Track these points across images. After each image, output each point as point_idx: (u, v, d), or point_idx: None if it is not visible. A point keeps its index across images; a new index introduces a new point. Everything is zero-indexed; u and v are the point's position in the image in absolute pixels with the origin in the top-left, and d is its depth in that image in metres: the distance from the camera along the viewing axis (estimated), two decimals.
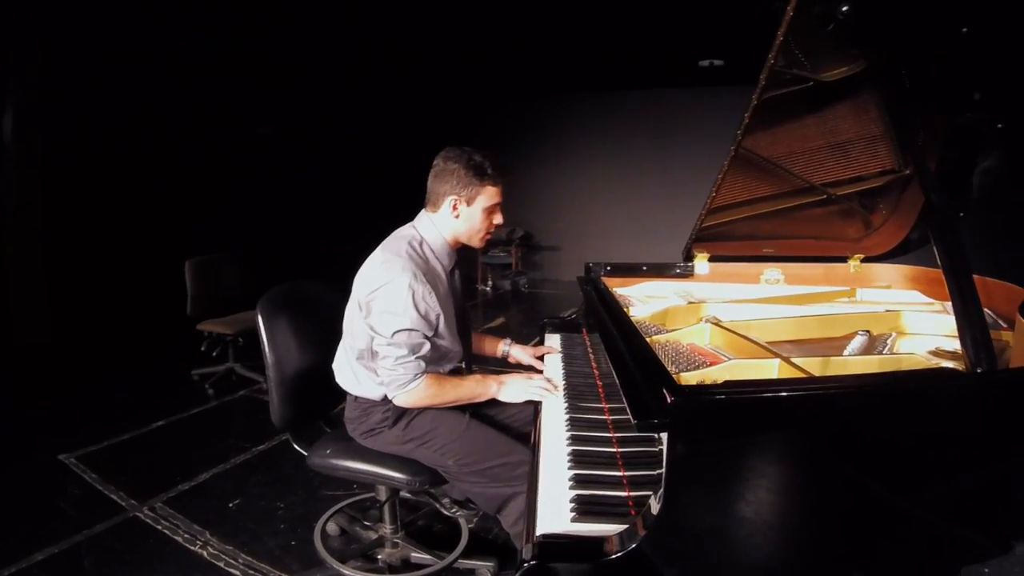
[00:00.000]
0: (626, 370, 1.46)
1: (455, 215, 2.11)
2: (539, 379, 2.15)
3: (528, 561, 1.14)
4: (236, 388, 4.87)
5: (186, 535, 2.81)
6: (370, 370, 2.09)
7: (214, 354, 4.88)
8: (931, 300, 2.46)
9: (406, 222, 2.20)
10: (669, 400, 1.10)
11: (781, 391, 1.17)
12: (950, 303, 2.25)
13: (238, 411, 4.49)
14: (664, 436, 1.13)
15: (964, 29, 1.84)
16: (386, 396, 2.07)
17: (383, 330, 1.96)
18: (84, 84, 5.88)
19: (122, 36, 5.49)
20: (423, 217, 2.18)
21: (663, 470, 1.12)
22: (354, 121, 9.28)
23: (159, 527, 2.88)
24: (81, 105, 5.96)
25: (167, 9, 5.09)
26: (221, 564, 2.60)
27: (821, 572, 1.22)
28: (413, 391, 1.99)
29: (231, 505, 3.10)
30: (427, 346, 2.00)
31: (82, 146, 6.03)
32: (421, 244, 2.12)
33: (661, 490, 1.12)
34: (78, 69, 5.76)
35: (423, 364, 2.00)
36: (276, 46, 6.35)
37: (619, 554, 1.12)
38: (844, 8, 1.79)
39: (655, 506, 1.14)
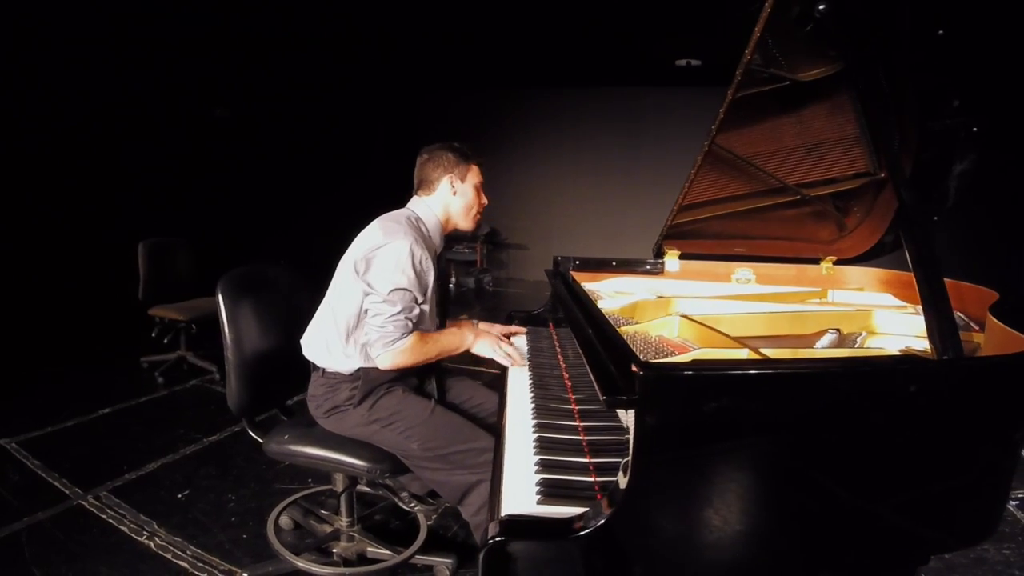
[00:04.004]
0: (594, 352, 1.45)
1: (453, 192, 2.26)
2: (508, 345, 2.31)
3: (493, 538, 1.10)
4: (187, 377, 4.74)
5: (132, 525, 2.70)
6: (350, 341, 2.11)
7: (165, 341, 4.74)
8: (903, 303, 2.47)
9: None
10: (638, 374, 1.08)
11: (748, 369, 1.16)
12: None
13: (189, 401, 4.36)
14: (631, 413, 1.11)
15: (940, 31, 1.84)
16: (357, 372, 2.10)
17: (380, 286, 2.02)
18: (34, 64, 5.69)
19: (74, 14, 5.31)
20: (416, 201, 2.30)
21: (630, 447, 1.11)
22: (314, 108, 9.13)
23: (104, 516, 2.77)
24: (33, 85, 5.75)
25: None
26: (168, 556, 2.51)
27: (788, 554, 1.22)
28: (400, 350, 2.04)
29: (180, 496, 3.00)
30: (417, 310, 2.09)
31: (30, 127, 5.82)
32: (418, 221, 2.22)
33: (628, 467, 1.11)
34: (26, 48, 5.57)
35: (411, 325, 2.06)
36: (234, 27, 6.16)
37: (586, 531, 1.10)
38: (821, 7, 1.79)
39: (623, 481, 1.12)
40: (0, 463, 3.25)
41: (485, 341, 2.28)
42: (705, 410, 1.11)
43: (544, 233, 9.88)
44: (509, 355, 2.26)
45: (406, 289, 2.02)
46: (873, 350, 1.93)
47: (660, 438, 1.10)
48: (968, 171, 2.12)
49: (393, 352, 2.02)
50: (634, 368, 1.10)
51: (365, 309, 2.05)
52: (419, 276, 2.06)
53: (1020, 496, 3.08)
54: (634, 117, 9.38)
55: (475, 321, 2.63)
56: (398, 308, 2.01)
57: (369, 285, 2.03)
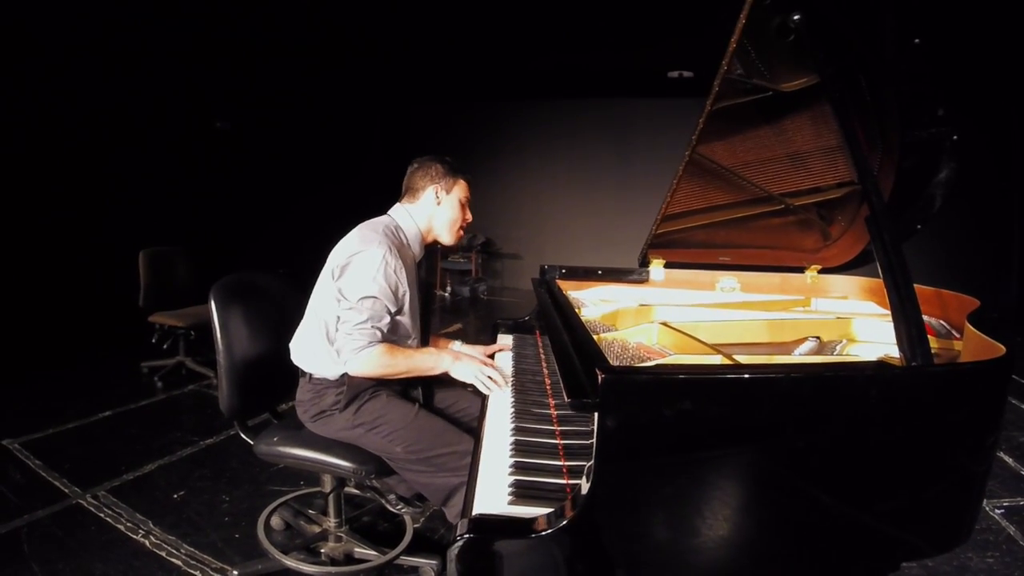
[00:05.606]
0: (567, 356, 1.48)
1: (437, 202, 2.28)
2: (492, 370, 2.16)
3: (461, 536, 1.15)
4: (185, 382, 4.82)
5: (128, 524, 2.77)
6: (332, 347, 2.13)
7: (165, 347, 4.83)
8: (886, 311, 2.48)
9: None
10: (600, 378, 1.11)
11: (710, 373, 1.18)
12: None
13: (186, 405, 4.43)
14: (596, 416, 1.14)
15: (916, 40, 1.86)
16: (342, 377, 2.12)
17: (350, 294, 2.04)
18: (38, 71, 5.78)
19: (78, 22, 5.38)
20: (399, 209, 2.32)
21: (593, 451, 1.14)
22: (311, 121, 9.26)
23: (101, 515, 2.84)
24: (41, 98, 5.86)
25: None
26: (163, 554, 2.56)
27: (759, 558, 1.24)
28: (366, 358, 2.02)
29: (175, 497, 3.06)
30: (387, 319, 2.08)
31: (32, 134, 5.92)
32: (397, 229, 2.24)
33: (591, 470, 1.14)
34: (35, 61, 5.66)
35: (379, 334, 2.05)
36: (234, 42, 6.30)
37: (548, 532, 1.14)
38: (796, 17, 1.82)
39: (584, 486, 1.16)
40: (3, 463, 3.32)
41: (466, 365, 2.16)
42: (666, 413, 1.13)
43: (538, 243, 9.94)
44: (491, 381, 2.11)
45: (375, 297, 2.03)
46: (849, 358, 1.96)
47: (621, 441, 1.13)
48: (951, 179, 2.15)
49: (358, 359, 2.02)
50: (598, 373, 1.13)
51: (336, 315, 2.08)
52: (391, 287, 2.06)
53: (1005, 505, 3.10)
54: (627, 128, 9.43)
55: (458, 342, 2.62)
56: (365, 316, 2.01)
57: (340, 291, 2.06)
